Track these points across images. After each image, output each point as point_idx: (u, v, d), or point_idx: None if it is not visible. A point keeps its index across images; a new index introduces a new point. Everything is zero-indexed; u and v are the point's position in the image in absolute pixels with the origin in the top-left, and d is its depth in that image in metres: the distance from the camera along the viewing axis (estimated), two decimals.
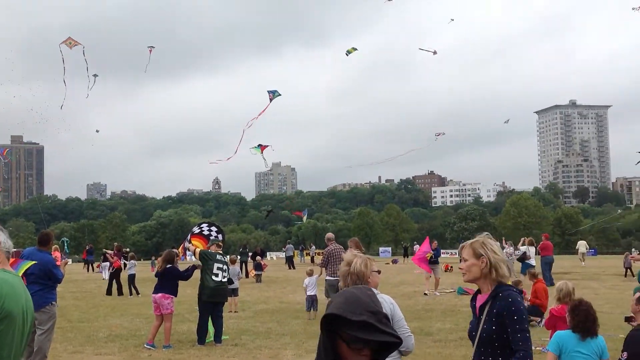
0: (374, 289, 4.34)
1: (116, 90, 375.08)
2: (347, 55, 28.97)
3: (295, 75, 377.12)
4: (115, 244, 32.18)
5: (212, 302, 11.96)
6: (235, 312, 16.86)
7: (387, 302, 4.46)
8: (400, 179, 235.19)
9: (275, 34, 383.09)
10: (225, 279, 12.36)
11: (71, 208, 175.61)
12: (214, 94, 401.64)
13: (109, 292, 23.84)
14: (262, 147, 29.84)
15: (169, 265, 11.83)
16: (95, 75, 33.58)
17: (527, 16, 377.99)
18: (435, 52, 36.01)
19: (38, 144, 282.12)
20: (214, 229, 15.24)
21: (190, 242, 13.95)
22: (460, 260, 3.99)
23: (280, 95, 24.71)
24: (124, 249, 34.38)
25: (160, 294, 11.68)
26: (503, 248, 28.42)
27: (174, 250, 13.27)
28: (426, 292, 21.72)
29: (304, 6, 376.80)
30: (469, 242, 4.01)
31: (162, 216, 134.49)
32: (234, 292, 17.49)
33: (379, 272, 4.78)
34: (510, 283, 3.94)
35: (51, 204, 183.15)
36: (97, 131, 78.10)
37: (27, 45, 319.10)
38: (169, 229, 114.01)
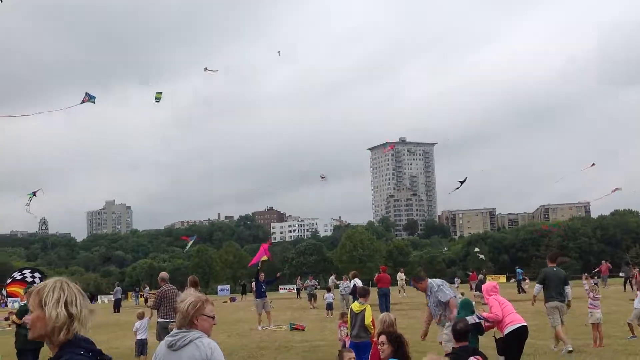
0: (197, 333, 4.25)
1: None
2: (156, 102, 28.61)
3: (125, 114, 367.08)
4: None
5: (30, 349, 11.29)
6: None
7: (206, 346, 4.27)
8: (240, 216, 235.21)
9: (105, 72, 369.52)
10: None
11: None
12: (42, 131, 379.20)
13: None
14: (35, 193, 29.46)
15: None
16: None
17: (352, 61, 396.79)
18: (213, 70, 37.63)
19: None
20: (37, 274, 14.35)
21: (5, 289, 13.02)
22: None
23: (94, 102, 23.71)
24: None
25: None
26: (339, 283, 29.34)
27: None
28: (259, 327, 21.94)
29: (135, 46, 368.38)
30: (37, 287, 2.96)
31: None
32: None
33: (213, 317, 4.42)
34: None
35: None
36: None
37: None
38: None
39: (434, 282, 10.86)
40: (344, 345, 11.31)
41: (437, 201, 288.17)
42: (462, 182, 35.21)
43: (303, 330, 20.95)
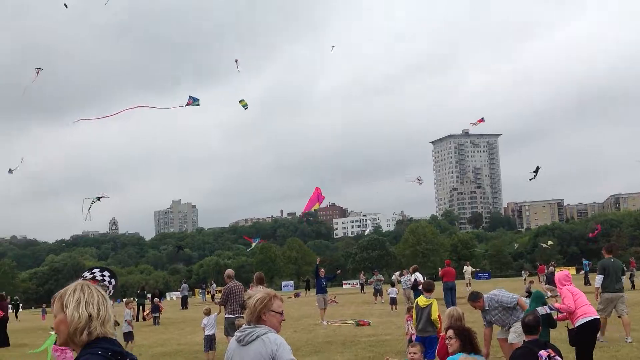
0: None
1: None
2: (245, 108, 29.24)
3: (188, 114, 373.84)
4: (3, 293, 30.40)
5: None
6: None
7: (272, 342, 4.29)
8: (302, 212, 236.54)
9: (168, 74, 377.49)
10: None
11: None
12: (107, 136, 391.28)
13: None
14: (100, 198, 30.35)
15: None
16: None
17: (413, 53, 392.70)
18: None
19: None
20: (106, 273, 14.75)
21: None
22: None
23: (198, 105, 24.37)
24: (11, 297, 32.53)
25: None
26: (402, 276, 29.16)
27: None
28: (324, 322, 22.10)
29: (195, 46, 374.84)
30: (59, 292, 2.96)
31: (54, 261, 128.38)
32: (129, 336, 16.91)
33: (281, 313, 4.43)
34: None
35: None
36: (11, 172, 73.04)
37: None
38: (62, 274, 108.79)
39: (489, 295, 10.18)
40: (410, 340, 11.24)
41: (503, 193, 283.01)
42: (536, 172, 34.42)
43: (368, 325, 20.92)
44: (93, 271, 15.52)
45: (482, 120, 38.33)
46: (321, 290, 23.58)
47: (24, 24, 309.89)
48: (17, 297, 45.27)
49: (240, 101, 28.99)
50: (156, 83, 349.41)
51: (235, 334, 4.45)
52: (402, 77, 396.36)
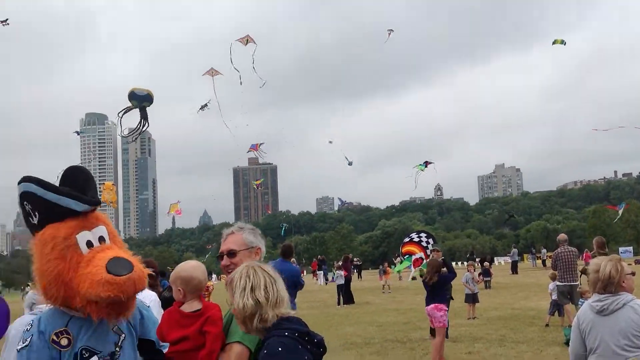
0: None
1: (338, 107, 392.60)
2: (555, 44, 27.49)
3: (505, 78, 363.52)
4: (350, 255, 33.48)
5: None
6: (474, 318, 16.71)
7: None
8: None
9: (483, 41, 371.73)
10: None
11: (303, 222, 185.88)
12: (426, 105, 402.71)
13: (344, 301, 24.46)
14: (427, 164, 30.16)
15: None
16: None
17: None
18: None
19: (272, 164, 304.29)
20: (431, 240, 15.55)
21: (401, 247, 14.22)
22: None
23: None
24: (354, 259, 35.60)
25: (432, 305, 10.88)
26: None
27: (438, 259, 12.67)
28: None
29: (511, 10, 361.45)
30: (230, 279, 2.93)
31: (386, 225, 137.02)
32: (474, 297, 17.34)
33: (633, 274, 4.34)
34: None
35: (285, 219, 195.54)
36: (330, 142, 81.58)
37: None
38: (393, 237, 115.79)
39: None
40: None
41: None
42: None
43: None
44: (420, 234, 16.32)
45: None
46: None
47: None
48: (357, 258, 49.31)
49: (555, 41, 27.49)
50: (467, 50, 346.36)
51: (591, 304, 4.22)
52: None
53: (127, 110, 21.86)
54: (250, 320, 2.65)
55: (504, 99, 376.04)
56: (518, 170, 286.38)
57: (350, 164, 47.78)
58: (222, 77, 24.72)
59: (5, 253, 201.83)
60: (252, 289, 2.66)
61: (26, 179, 2.87)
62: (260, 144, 32.62)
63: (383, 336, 14.40)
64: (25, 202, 2.88)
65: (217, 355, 2.85)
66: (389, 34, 33.77)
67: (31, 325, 2.84)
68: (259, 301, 2.64)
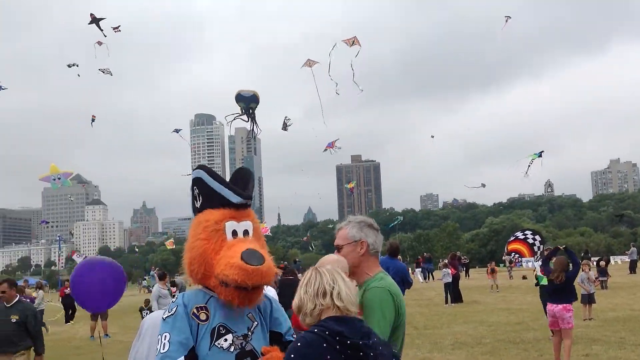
0: None
1: (440, 104, 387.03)
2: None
3: (619, 69, 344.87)
4: (457, 253, 32.94)
5: None
6: (590, 319, 16.14)
7: None
8: None
9: (599, 31, 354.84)
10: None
11: (407, 219, 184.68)
12: (535, 99, 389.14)
13: (452, 299, 24.10)
14: (541, 154, 28.85)
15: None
16: None
17: None
18: None
19: (375, 161, 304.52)
20: (537, 237, 15.17)
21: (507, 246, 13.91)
22: None
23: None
24: (462, 257, 34.99)
25: (560, 306, 10.43)
26: None
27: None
28: None
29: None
30: None
31: (493, 223, 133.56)
32: (590, 298, 16.77)
33: None
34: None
35: (388, 216, 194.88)
36: (432, 137, 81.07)
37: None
38: (501, 235, 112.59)
39: None
40: None
41: None
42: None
43: None
44: (525, 232, 15.92)
45: None
46: None
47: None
48: (465, 256, 48.38)
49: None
50: (582, 41, 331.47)
51: None
52: None
53: (237, 116, 22.68)
54: (300, 315, 2.83)
55: (618, 91, 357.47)
56: (634, 165, 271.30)
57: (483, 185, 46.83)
58: (324, 77, 24.95)
59: (123, 248, 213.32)
60: (306, 288, 2.82)
61: (200, 167, 3.33)
62: (336, 140, 32.64)
63: (494, 336, 14.12)
64: (194, 187, 3.29)
65: None
66: (507, 20, 32.65)
67: (176, 299, 3.16)
68: (303, 299, 2.81)
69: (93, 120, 36.67)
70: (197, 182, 3.27)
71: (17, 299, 8.34)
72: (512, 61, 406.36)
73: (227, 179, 3.36)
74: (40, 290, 24.81)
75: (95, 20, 24.63)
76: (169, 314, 3.07)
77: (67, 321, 24.89)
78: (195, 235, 3.17)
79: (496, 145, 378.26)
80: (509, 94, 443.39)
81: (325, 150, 32.34)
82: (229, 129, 26.78)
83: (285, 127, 29.04)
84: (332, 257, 3.40)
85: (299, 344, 2.66)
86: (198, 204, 3.29)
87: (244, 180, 3.35)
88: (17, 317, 8.07)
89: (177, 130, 34.63)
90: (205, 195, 3.24)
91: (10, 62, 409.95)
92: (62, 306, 26.26)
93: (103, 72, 31.37)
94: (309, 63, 24.75)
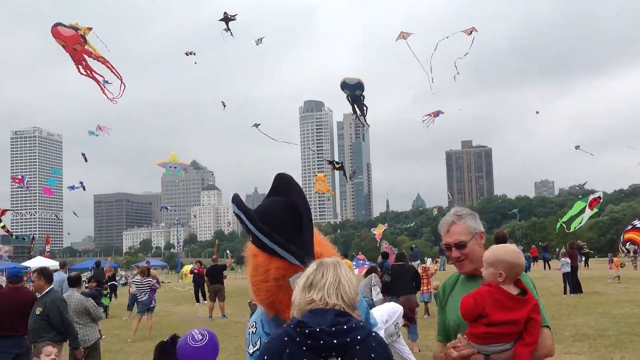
0: None
1: (551, 89, 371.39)
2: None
3: None
4: (578, 242, 31.72)
5: None
6: None
7: None
8: None
9: None
10: None
11: (521, 206, 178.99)
12: None
13: (572, 289, 23.09)
14: None
15: None
16: None
17: None
18: None
19: (486, 146, 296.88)
20: None
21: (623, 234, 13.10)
22: None
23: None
24: (582, 245, 33.55)
25: None
26: None
27: None
28: None
29: None
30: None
31: (614, 211, 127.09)
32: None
33: None
34: None
35: (501, 203, 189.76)
36: (537, 112, 78.19)
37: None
38: (622, 224, 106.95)
39: None
40: None
41: None
42: None
43: None
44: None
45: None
46: None
47: None
48: (585, 245, 46.33)
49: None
50: None
51: None
52: None
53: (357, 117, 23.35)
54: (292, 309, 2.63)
55: None
56: None
57: (577, 147, 44.82)
58: (435, 65, 24.34)
59: (237, 232, 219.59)
60: (304, 283, 2.57)
61: (235, 201, 2.85)
62: (439, 112, 30.16)
63: (618, 328, 13.41)
64: (236, 215, 2.87)
65: None
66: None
67: (255, 328, 2.94)
68: (295, 293, 2.59)
69: (224, 106, 37.95)
70: (238, 217, 2.86)
71: (47, 289, 8.11)
72: (631, 42, 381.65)
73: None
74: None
75: (226, 19, 25.29)
76: (254, 348, 2.87)
77: (197, 300, 25.65)
78: (257, 282, 2.91)
79: (617, 129, 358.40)
80: (632, 76, 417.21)
81: (424, 120, 29.62)
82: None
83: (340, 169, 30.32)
84: (514, 248, 3.24)
85: (266, 341, 2.65)
86: (250, 238, 2.92)
87: (304, 237, 2.83)
88: (40, 309, 7.89)
89: (256, 125, 35.19)
90: (252, 238, 2.88)
91: (130, 58, 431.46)
92: (182, 288, 27.31)
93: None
94: (403, 35, 24.03)
